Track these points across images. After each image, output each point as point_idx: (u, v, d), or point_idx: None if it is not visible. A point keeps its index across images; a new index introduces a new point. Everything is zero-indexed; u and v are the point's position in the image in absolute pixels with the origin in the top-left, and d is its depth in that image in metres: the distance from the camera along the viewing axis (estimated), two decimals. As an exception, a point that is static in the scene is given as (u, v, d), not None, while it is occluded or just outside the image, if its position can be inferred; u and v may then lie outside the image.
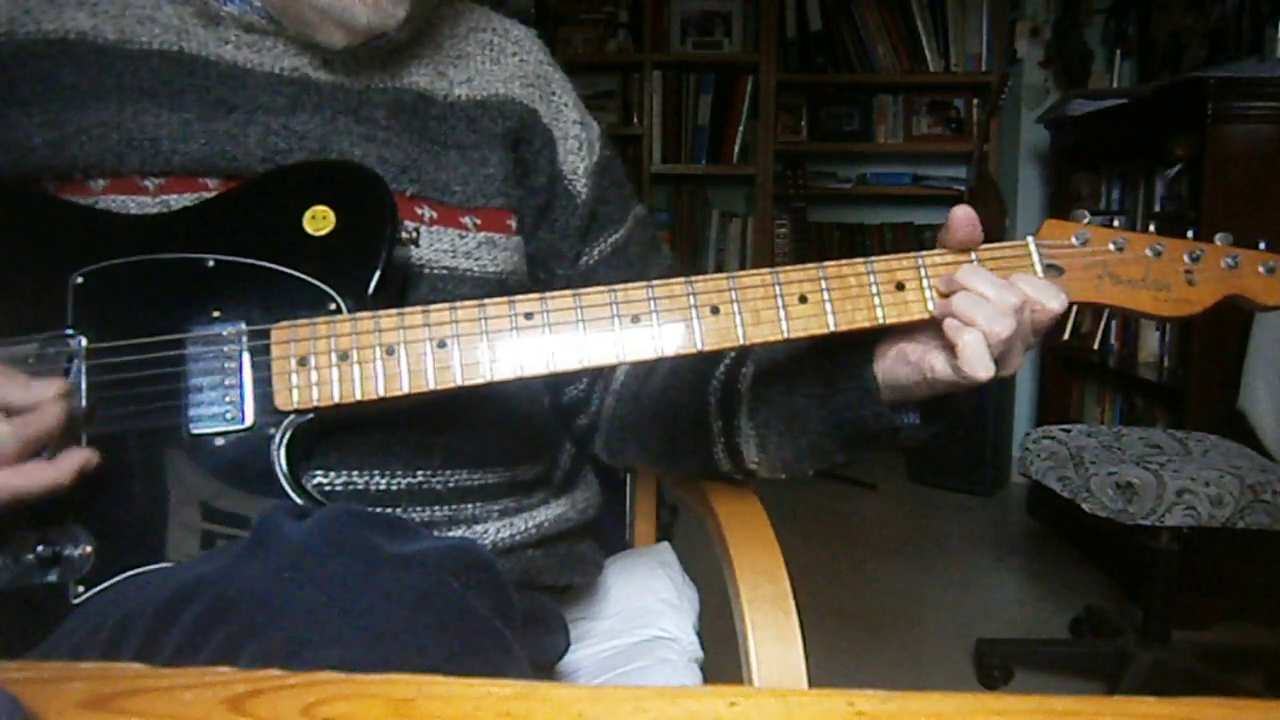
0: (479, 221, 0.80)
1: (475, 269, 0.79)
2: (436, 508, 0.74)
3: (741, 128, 3.69)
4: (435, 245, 0.77)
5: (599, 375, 0.91)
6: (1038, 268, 0.68)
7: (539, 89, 0.87)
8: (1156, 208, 2.51)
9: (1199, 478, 1.62)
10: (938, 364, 0.66)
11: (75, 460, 0.62)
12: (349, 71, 0.77)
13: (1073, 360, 2.91)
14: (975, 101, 3.66)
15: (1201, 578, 2.12)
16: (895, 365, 0.68)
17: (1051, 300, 0.65)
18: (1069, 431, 1.92)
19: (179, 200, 0.71)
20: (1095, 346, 2.73)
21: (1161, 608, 1.80)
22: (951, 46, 3.60)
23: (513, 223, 0.83)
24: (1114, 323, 2.67)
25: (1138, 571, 1.93)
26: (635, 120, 3.68)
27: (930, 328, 0.67)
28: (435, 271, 0.76)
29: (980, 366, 0.63)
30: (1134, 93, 2.69)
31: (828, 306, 0.66)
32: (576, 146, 0.88)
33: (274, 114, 0.73)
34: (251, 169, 0.72)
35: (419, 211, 0.77)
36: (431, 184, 0.78)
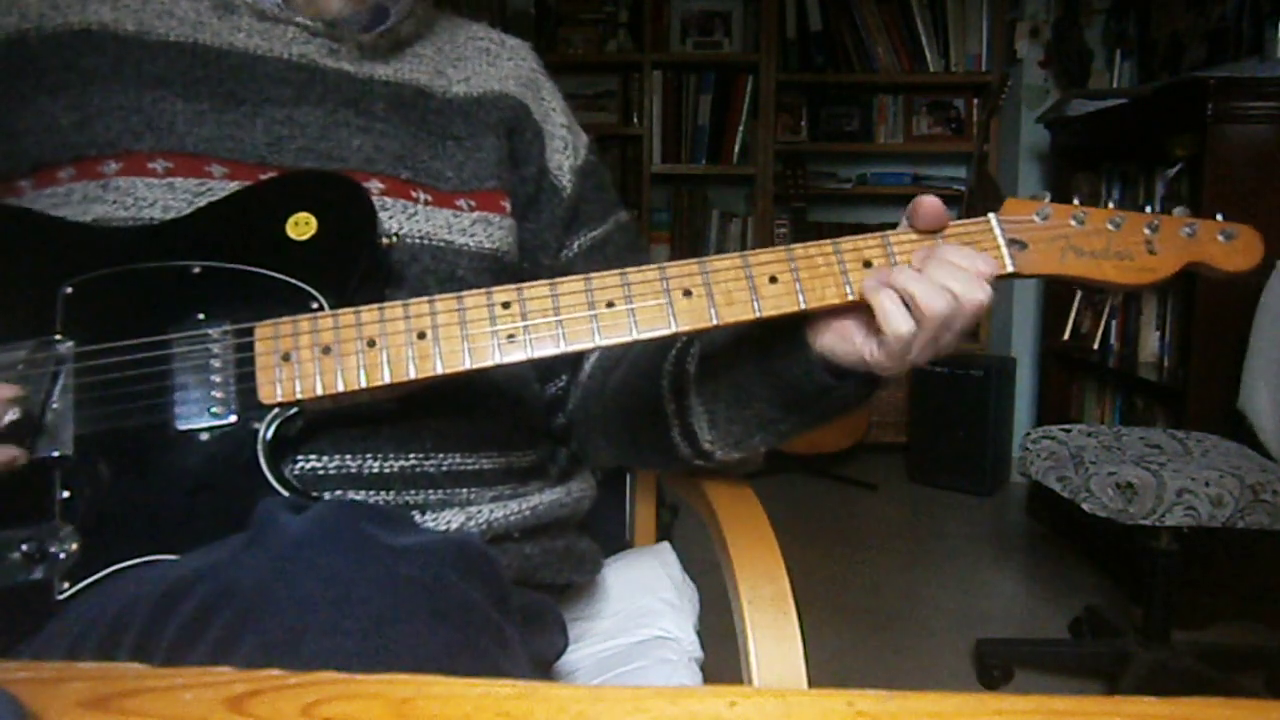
0: (473, 203, 0.83)
1: (471, 244, 0.81)
2: (431, 491, 0.75)
3: (741, 128, 3.69)
4: (432, 220, 0.79)
5: (574, 374, 0.93)
6: (1001, 244, 0.70)
7: (531, 90, 0.92)
8: (1157, 208, 2.50)
9: (1199, 478, 1.63)
10: (876, 349, 0.68)
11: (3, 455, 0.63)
12: (354, 60, 0.81)
13: (1073, 360, 2.91)
14: (975, 101, 3.66)
15: (1201, 578, 2.12)
16: (836, 343, 0.70)
17: (976, 290, 0.66)
18: (1069, 431, 1.92)
19: (183, 184, 0.73)
20: (1095, 346, 2.73)
21: (1161, 608, 1.80)
22: (951, 46, 3.60)
23: (506, 204, 0.85)
24: (1114, 323, 2.67)
25: (1138, 571, 1.93)
26: (635, 120, 3.68)
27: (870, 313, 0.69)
28: (435, 244, 0.79)
29: (901, 324, 0.65)
30: (1134, 93, 2.69)
31: (797, 286, 0.68)
32: (562, 146, 0.92)
33: (279, 105, 0.77)
34: (257, 154, 0.75)
35: (414, 194, 0.79)
36: (426, 171, 0.81)
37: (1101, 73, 3.13)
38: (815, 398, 0.74)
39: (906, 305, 0.65)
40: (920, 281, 0.65)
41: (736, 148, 3.70)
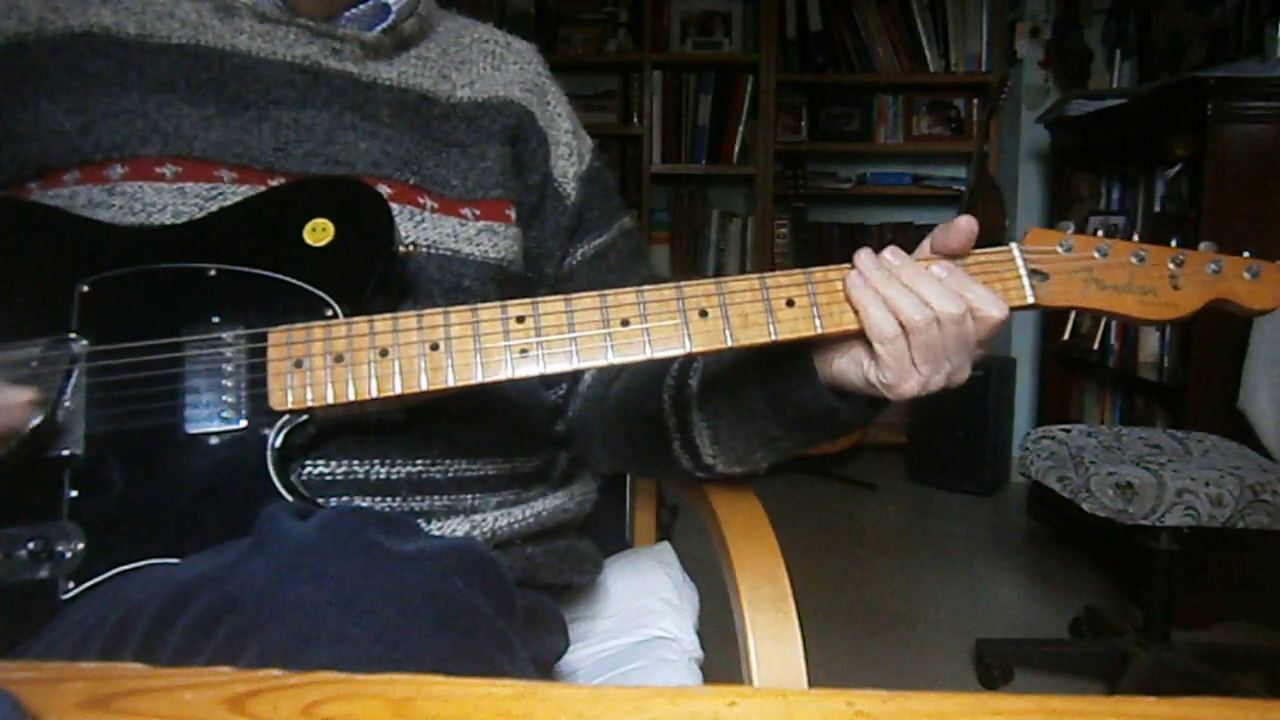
0: (478, 212, 0.82)
1: (477, 254, 0.80)
2: (436, 497, 0.74)
3: (741, 128, 3.69)
4: (439, 228, 0.79)
5: (574, 382, 0.92)
6: (1022, 274, 0.69)
7: (536, 95, 0.90)
8: (1156, 208, 2.51)
9: (1199, 478, 1.63)
10: (876, 368, 0.67)
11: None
12: (357, 60, 0.80)
13: (1073, 360, 2.91)
14: (975, 101, 3.66)
15: (1201, 578, 2.12)
16: (847, 365, 0.70)
17: (991, 307, 0.65)
18: (1069, 431, 1.92)
19: (194, 188, 0.72)
20: (1095, 346, 2.73)
21: (1161, 608, 1.80)
22: (951, 46, 3.60)
23: (511, 213, 0.85)
24: (1114, 323, 2.67)
25: (1138, 571, 1.93)
26: (635, 120, 3.68)
27: None
28: (442, 253, 0.78)
29: (886, 326, 0.64)
30: (1134, 93, 2.69)
31: (814, 310, 0.67)
32: (567, 153, 0.91)
33: (285, 108, 0.76)
34: (265, 159, 0.75)
35: (421, 200, 0.79)
36: (431, 178, 0.80)
37: (1101, 73, 3.13)
38: (819, 419, 0.73)
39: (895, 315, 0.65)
40: (897, 288, 0.65)
41: (736, 148, 3.71)
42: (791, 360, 0.72)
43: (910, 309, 0.64)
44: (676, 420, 0.81)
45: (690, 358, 0.80)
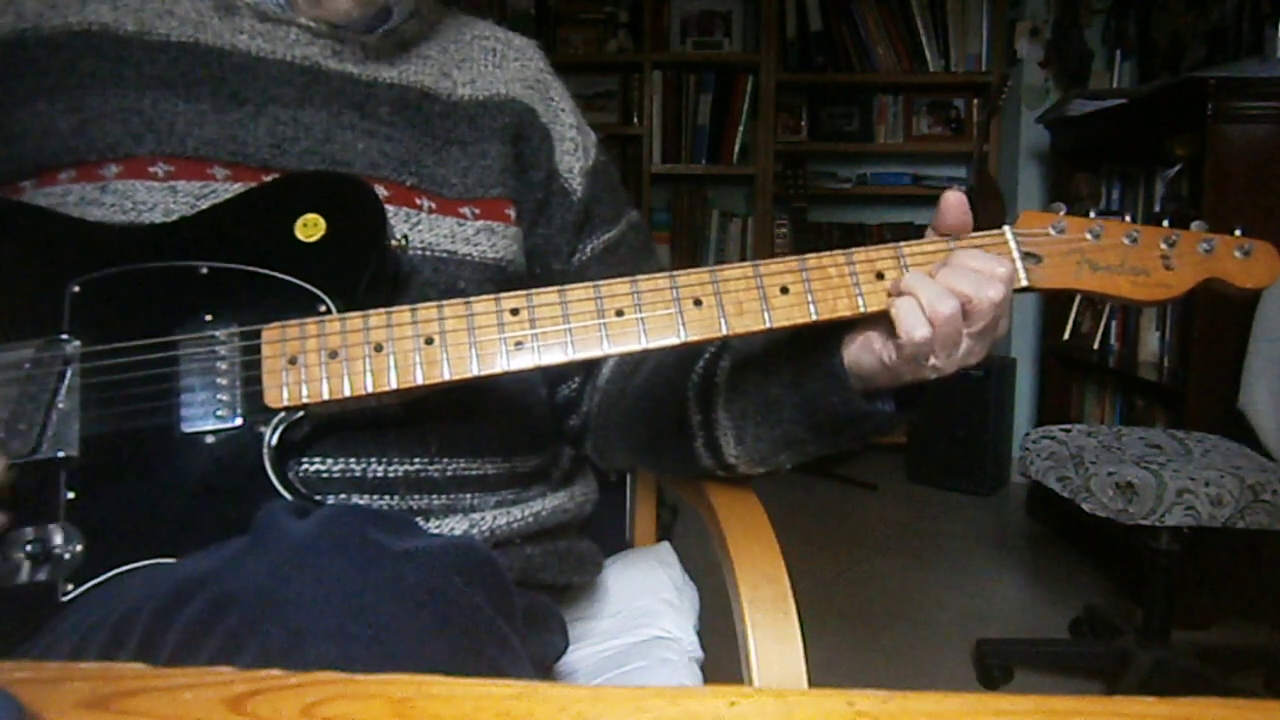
0: (477, 211, 0.81)
1: (474, 254, 0.80)
2: (434, 496, 0.74)
3: (741, 128, 3.69)
4: (435, 230, 0.78)
5: (589, 376, 0.92)
6: (1015, 256, 0.69)
7: (538, 92, 0.90)
8: (1156, 208, 2.51)
9: (1199, 478, 1.62)
10: (893, 352, 0.67)
11: None
12: (357, 61, 0.80)
13: (1073, 360, 2.91)
14: (975, 101, 3.66)
15: (1201, 578, 2.12)
16: (860, 354, 0.70)
17: (988, 289, 0.65)
18: (1069, 431, 1.92)
19: (186, 187, 0.72)
20: (1095, 346, 2.73)
21: (1161, 608, 1.80)
22: (951, 46, 3.60)
23: (511, 212, 0.84)
24: (1114, 323, 2.67)
25: (1138, 571, 1.93)
26: (635, 120, 3.68)
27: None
28: (437, 254, 0.78)
29: (915, 327, 0.64)
30: (1134, 93, 2.69)
31: (809, 296, 0.67)
32: (572, 148, 0.90)
33: (283, 106, 0.76)
34: (259, 156, 0.74)
35: (418, 201, 0.78)
36: (430, 177, 0.80)
37: (1101, 73, 3.13)
38: (847, 422, 0.72)
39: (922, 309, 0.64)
40: (928, 286, 0.65)
41: (736, 148, 3.70)
42: (818, 361, 0.72)
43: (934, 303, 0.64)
44: (700, 418, 0.80)
45: (716, 357, 0.80)
